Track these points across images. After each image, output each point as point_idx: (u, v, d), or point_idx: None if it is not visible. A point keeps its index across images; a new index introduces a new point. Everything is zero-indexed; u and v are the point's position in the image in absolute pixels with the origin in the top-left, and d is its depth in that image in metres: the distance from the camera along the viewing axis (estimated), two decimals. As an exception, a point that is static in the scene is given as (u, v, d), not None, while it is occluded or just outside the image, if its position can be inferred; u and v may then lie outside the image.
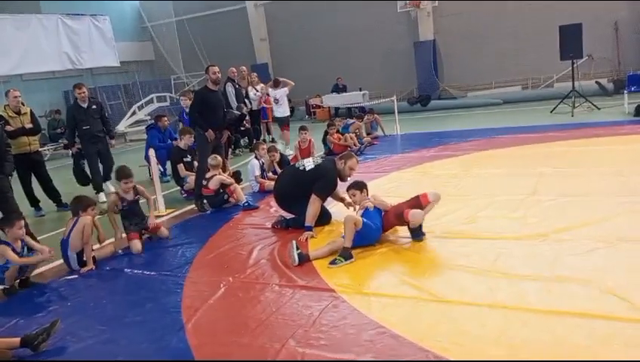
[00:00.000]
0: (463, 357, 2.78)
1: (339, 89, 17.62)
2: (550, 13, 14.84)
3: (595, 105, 11.74)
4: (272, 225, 5.58)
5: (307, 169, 5.37)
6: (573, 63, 12.23)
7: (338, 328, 3.22)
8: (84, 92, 7.83)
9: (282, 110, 11.55)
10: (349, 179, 5.34)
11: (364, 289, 3.77)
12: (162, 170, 9.23)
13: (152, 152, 7.20)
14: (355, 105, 15.99)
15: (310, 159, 5.70)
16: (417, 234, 4.57)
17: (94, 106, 7.94)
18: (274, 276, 4.20)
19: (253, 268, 4.43)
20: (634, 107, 10.35)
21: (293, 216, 5.45)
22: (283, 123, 11.53)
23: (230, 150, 10.33)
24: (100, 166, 8.20)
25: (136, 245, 5.31)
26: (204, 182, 6.68)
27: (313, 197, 5.15)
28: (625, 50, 14.94)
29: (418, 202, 4.65)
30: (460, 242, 4.49)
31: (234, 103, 10.85)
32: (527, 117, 11.89)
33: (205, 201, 6.74)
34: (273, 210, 6.07)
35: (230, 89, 11.07)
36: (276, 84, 11.59)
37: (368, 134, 11.21)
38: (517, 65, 16.33)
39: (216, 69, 6.89)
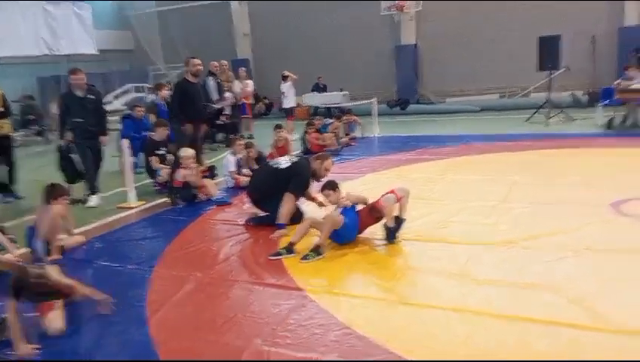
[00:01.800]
0: (427, 360, 2.78)
1: (319, 88, 17.60)
2: (530, 24, 15.06)
3: (569, 117, 11.96)
4: (244, 221, 5.53)
5: (282, 167, 5.34)
6: (550, 74, 12.43)
7: (305, 327, 3.20)
8: (81, 78, 6.61)
9: (287, 101, 12.61)
10: (322, 179, 5.32)
11: (333, 290, 3.76)
12: (135, 161, 9.06)
13: (125, 143, 7.05)
14: (335, 106, 15.98)
15: (286, 157, 5.67)
16: (391, 235, 4.57)
17: (92, 96, 6.74)
18: (243, 273, 4.15)
19: (223, 265, 4.37)
20: (607, 120, 10.58)
21: (267, 213, 5.41)
22: (288, 113, 12.65)
23: (207, 144, 10.21)
24: None
25: (55, 322, 3.42)
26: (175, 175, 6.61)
27: (287, 195, 5.12)
28: (601, 64, 15.26)
29: None
30: (432, 246, 4.51)
31: (214, 97, 10.79)
32: (503, 125, 12.05)
33: (178, 195, 6.65)
34: (247, 206, 6.01)
35: (212, 83, 10.99)
36: (284, 78, 12.64)
37: (346, 135, 11.22)
38: (495, 73, 16.54)
39: (198, 61, 6.83)
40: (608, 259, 3.95)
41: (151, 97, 10.27)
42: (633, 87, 10.50)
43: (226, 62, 12.44)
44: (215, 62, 11.53)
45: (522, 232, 4.64)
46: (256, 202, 5.60)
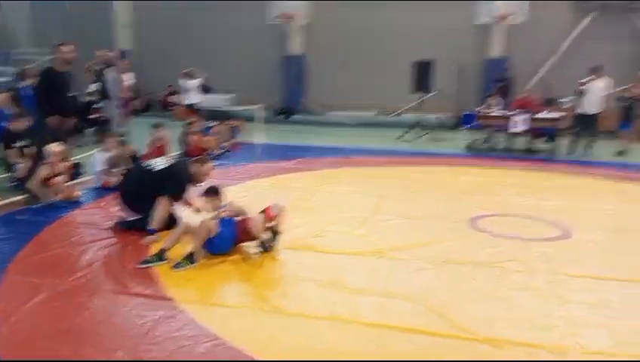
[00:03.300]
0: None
1: (204, 89, 17.14)
2: (407, 49, 16.09)
3: (435, 138, 12.97)
4: (112, 225, 5.19)
5: (157, 169, 5.10)
6: (421, 96, 13.39)
7: (173, 339, 3.08)
8: None
9: (192, 98, 13.31)
10: (202, 184, 5.18)
11: (205, 299, 3.67)
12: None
13: (-24, 132, 6.29)
14: (219, 108, 15.69)
15: (162, 159, 5.43)
16: (265, 248, 4.57)
17: None
18: (107, 282, 3.89)
19: (84, 272, 4.05)
20: (468, 142, 11.66)
21: (137, 217, 5.13)
22: (191, 110, 13.01)
23: (73, 139, 9.44)
24: None
25: None
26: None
27: (161, 199, 4.90)
28: (466, 90, 16.77)
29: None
30: (307, 255, 4.60)
31: (115, 92, 9.87)
32: (377, 141, 12.72)
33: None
34: (115, 209, 5.66)
35: (111, 75, 10.12)
36: (189, 76, 13.27)
37: (229, 139, 11.06)
38: (373, 92, 17.39)
39: (68, 48, 6.32)
40: (464, 271, 4.32)
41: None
42: (493, 114, 11.75)
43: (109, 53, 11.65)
44: (117, 51, 10.88)
45: (389, 244, 4.90)
46: (127, 205, 5.27)
